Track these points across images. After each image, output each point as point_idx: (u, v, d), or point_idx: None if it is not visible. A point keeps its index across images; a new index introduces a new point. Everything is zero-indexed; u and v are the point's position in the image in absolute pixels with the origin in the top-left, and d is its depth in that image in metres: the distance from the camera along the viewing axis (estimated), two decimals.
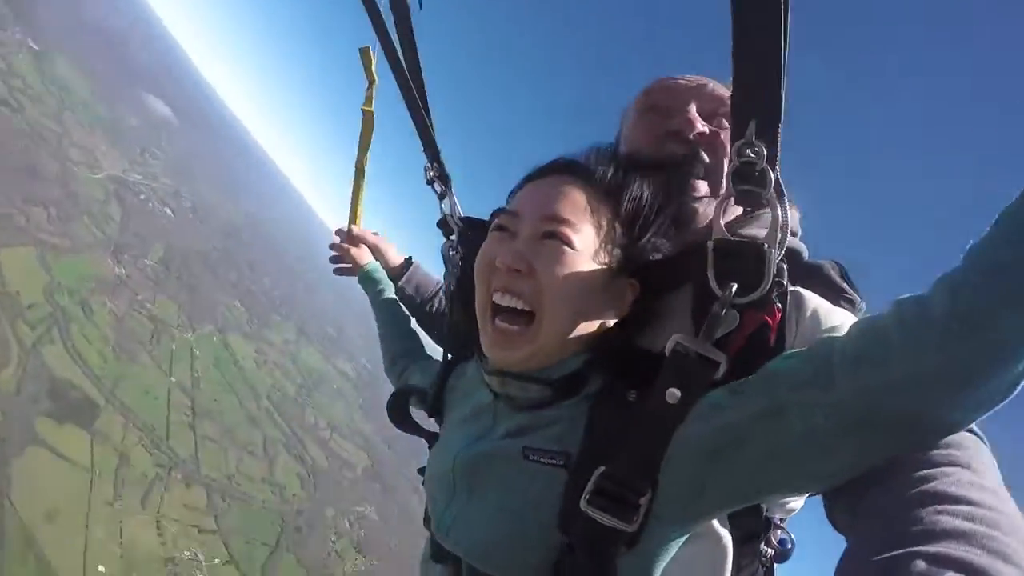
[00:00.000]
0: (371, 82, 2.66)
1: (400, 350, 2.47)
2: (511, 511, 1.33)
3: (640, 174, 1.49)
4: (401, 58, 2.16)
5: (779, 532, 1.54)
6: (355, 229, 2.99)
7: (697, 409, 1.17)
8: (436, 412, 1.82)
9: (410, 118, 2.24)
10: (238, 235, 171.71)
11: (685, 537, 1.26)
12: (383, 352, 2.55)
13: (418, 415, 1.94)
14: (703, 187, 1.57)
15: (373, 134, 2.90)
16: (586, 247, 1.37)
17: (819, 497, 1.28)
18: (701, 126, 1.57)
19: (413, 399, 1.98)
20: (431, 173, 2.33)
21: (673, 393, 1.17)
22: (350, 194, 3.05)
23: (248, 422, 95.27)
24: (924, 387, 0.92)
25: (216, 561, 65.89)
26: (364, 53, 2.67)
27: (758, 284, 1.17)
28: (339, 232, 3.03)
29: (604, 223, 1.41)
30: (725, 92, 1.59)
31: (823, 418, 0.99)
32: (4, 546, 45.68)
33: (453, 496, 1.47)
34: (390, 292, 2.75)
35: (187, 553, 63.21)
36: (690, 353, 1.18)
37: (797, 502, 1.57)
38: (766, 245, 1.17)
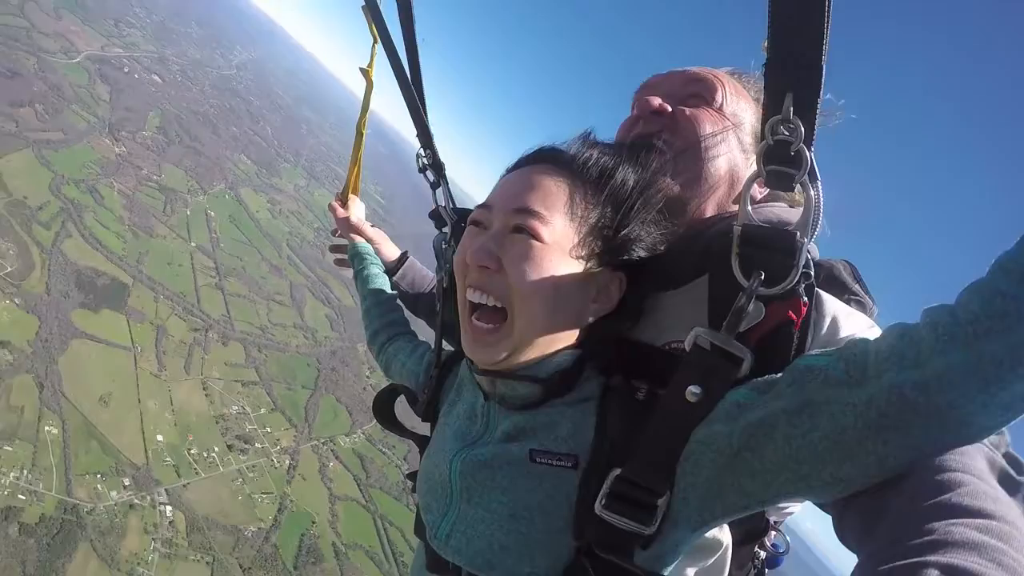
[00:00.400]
0: (374, 40, 2.35)
1: (382, 324, 2.39)
2: (517, 517, 1.28)
3: (615, 159, 1.45)
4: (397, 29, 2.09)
5: (774, 535, 1.55)
6: (353, 202, 2.93)
7: (720, 408, 1.12)
8: (429, 419, 1.77)
9: (402, 98, 2.13)
10: (232, 88, 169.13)
11: (696, 540, 1.24)
12: (365, 326, 2.47)
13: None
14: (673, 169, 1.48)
15: (372, 95, 2.76)
16: (558, 239, 1.33)
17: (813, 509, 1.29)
18: (658, 104, 1.53)
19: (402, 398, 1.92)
20: (424, 160, 2.25)
21: (693, 391, 1.12)
22: (349, 156, 2.93)
23: (272, 272, 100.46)
24: (954, 385, 0.89)
25: (262, 410, 71.68)
26: (367, 10, 2.29)
27: (786, 275, 1.10)
28: (337, 199, 2.94)
29: (581, 212, 1.36)
30: (704, 71, 1.58)
31: (853, 417, 0.96)
32: (68, 438, 51.34)
33: (450, 503, 1.41)
34: (377, 268, 2.65)
35: (235, 407, 69.12)
36: (712, 348, 1.13)
37: (796, 506, 1.55)
38: (798, 233, 1.10)
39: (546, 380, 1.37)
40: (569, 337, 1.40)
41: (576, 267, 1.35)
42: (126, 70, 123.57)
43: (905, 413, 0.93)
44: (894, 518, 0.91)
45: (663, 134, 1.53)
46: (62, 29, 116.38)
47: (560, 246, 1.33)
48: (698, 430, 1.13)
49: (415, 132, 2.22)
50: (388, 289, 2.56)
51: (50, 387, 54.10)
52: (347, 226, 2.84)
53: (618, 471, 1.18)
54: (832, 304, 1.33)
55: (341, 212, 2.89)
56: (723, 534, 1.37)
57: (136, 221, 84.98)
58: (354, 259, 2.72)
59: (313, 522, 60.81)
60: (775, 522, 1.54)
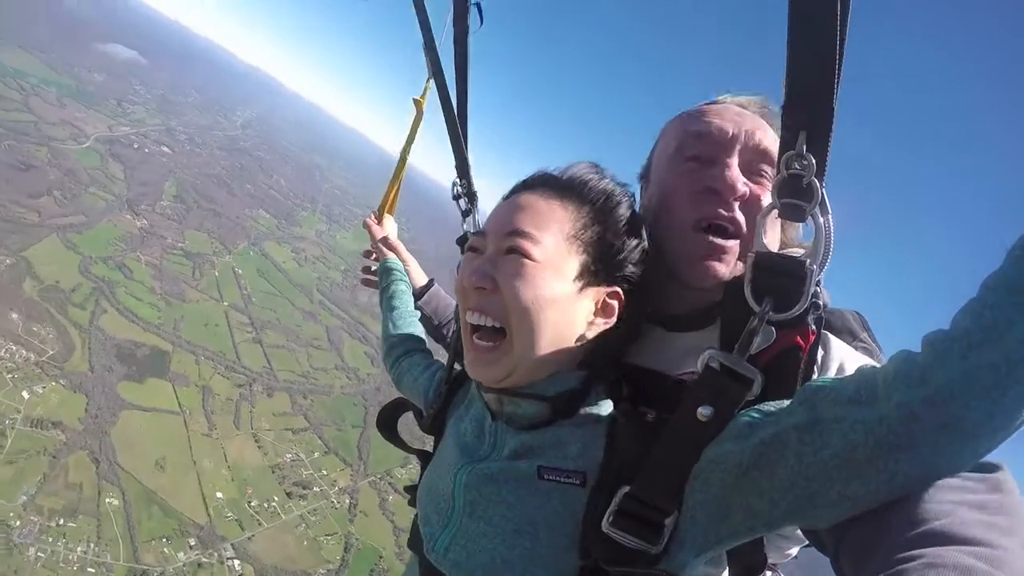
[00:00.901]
0: (429, 76, 2.47)
1: (400, 338, 2.44)
2: (522, 532, 1.28)
3: (615, 187, 1.52)
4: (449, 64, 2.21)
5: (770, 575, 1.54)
6: (386, 221, 3.01)
7: (731, 427, 1.15)
8: (434, 433, 1.79)
9: (445, 127, 2.24)
10: (240, 147, 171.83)
11: (699, 567, 1.24)
12: (384, 339, 2.51)
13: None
14: (731, 247, 1.51)
15: (420, 126, 2.84)
16: (551, 257, 1.37)
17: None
18: (742, 186, 1.49)
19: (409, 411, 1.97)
20: (458, 188, 2.34)
21: (704, 411, 1.15)
22: (389, 181, 3.02)
23: (307, 319, 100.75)
24: (958, 396, 0.92)
25: (316, 455, 71.39)
26: (427, 50, 2.43)
27: (796, 301, 1.15)
28: (373, 217, 3.03)
29: (573, 231, 1.41)
30: (771, 143, 1.53)
31: (864, 435, 0.98)
32: (129, 507, 51.28)
33: (451, 517, 1.42)
34: (404, 286, 2.71)
35: (288, 455, 68.77)
36: (723, 369, 1.16)
37: (794, 548, 1.63)
38: (808, 262, 1.14)
39: (553, 399, 1.39)
40: (572, 354, 1.43)
41: (572, 284, 1.39)
42: (135, 146, 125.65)
43: (915, 430, 0.95)
44: (886, 550, 0.93)
45: (739, 215, 1.51)
46: (67, 117, 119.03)
47: (553, 264, 1.37)
48: (708, 449, 1.15)
49: (454, 163, 2.30)
50: (411, 307, 2.61)
51: (105, 460, 54.33)
52: (383, 242, 2.89)
53: (627, 489, 1.19)
54: (841, 348, 1.39)
55: (377, 229, 2.96)
56: (719, 568, 1.40)
57: (167, 289, 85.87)
58: (383, 274, 2.76)
59: (380, 556, 60.49)
60: (772, 564, 1.56)
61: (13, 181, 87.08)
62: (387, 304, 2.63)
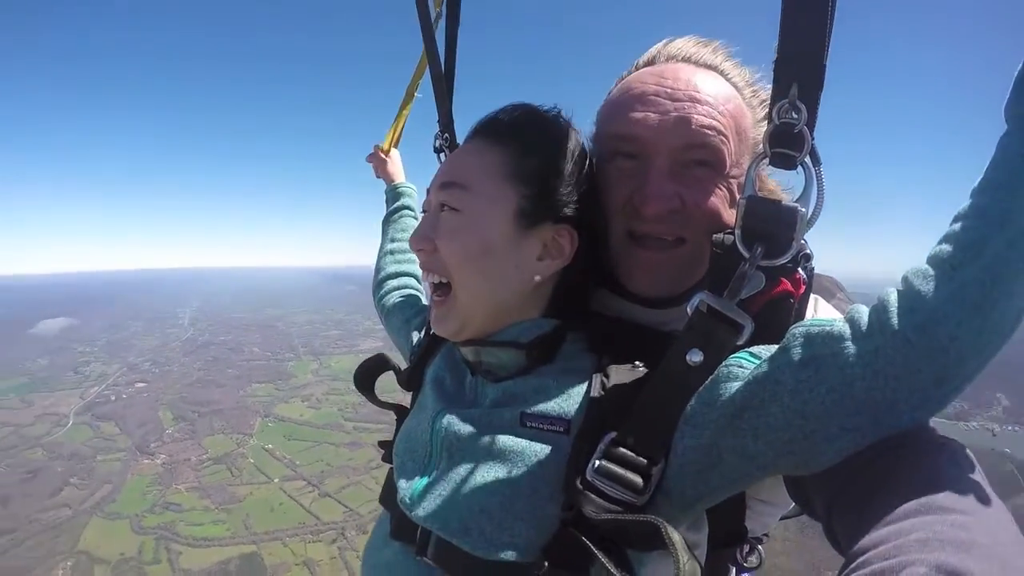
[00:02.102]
0: (438, 16, 2.23)
1: (398, 271, 2.42)
2: (502, 480, 1.24)
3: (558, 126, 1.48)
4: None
5: (748, 552, 1.56)
6: (392, 153, 2.91)
7: (723, 370, 1.14)
8: (412, 389, 1.74)
9: (430, 76, 2.14)
10: (201, 342, 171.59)
11: (685, 523, 1.23)
12: (376, 269, 2.48)
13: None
14: (667, 258, 1.48)
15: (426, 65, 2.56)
16: (476, 205, 1.36)
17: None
18: (671, 196, 1.43)
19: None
20: (439, 142, 2.22)
21: (694, 355, 1.13)
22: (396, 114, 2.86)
23: (353, 449, 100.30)
24: (949, 316, 0.94)
25: None
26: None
27: (787, 248, 1.13)
28: (375, 147, 2.92)
29: (509, 171, 1.38)
30: (717, 114, 1.45)
31: (861, 368, 0.99)
32: None
33: (429, 463, 1.39)
34: (410, 213, 2.66)
35: None
36: (713, 313, 1.13)
37: (774, 518, 1.62)
38: (800, 208, 1.12)
39: (527, 345, 1.39)
40: (528, 298, 1.43)
41: (510, 227, 1.37)
42: (113, 399, 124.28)
43: (911, 357, 0.96)
44: (881, 519, 0.91)
45: (667, 229, 1.47)
46: (39, 411, 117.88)
47: (486, 210, 1.37)
48: (699, 392, 1.14)
49: (437, 117, 2.23)
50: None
51: None
52: (387, 169, 2.85)
53: (613, 435, 1.17)
54: (826, 307, 1.42)
55: (382, 157, 2.89)
56: (700, 534, 1.37)
57: (220, 500, 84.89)
58: (394, 196, 2.72)
59: None
60: (755, 538, 1.54)
61: (29, 493, 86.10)
62: (388, 230, 2.63)
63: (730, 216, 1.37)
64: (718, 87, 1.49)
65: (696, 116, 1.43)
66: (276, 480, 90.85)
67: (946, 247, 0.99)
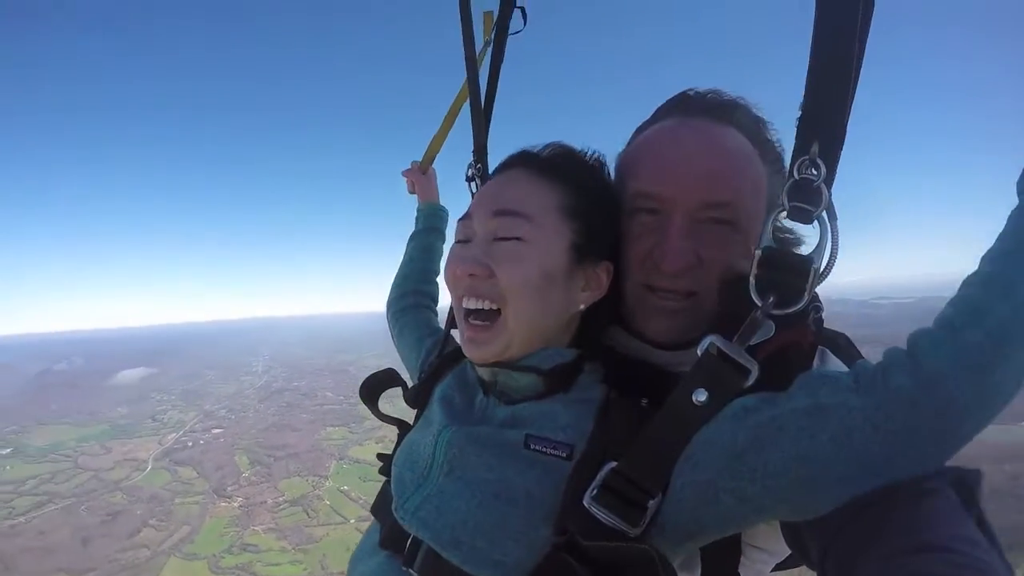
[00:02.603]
0: (485, 43, 2.47)
1: (415, 289, 2.43)
2: (500, 497, 1.25)
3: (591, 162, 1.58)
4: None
5: None
6: (429, 171, 2.91)
7: (727, 411, 1.15)
8: (418, 406, 1.75)
9: (470, 106, 2.25)
10: (274, 388, 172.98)
11: (676, 559, 1.22)
12: (394, 285, 2.49)
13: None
14: (682, 308, 1.52)
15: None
16: (539, 236, 1.39)
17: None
18: (688, 255, 1.47)
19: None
20: (471, 171, 2.27)
21: (699, 395, 1.15)
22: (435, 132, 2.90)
23: None
24: (949, 377, 0.98)
25: None
26: (487, 17, 2.48)
27: (798, 298, 1.15)
28: (413, 164, 2.92)
29: (563, 206, 1.44)
30: (735, 174, 1.51)
31: (862, 420, 1.02)
32: None
33: (428, 475, 1.40)
34: (441, 241, 2.68)
35: None
36: (721, 356, 1.17)
37: (768, 566, 1.61)
38: (815, 262, 1.15)
39: (548, 373, 1.41)
40: (563, 328, 1.48)
41: (564, 260, 1.42)
42: (190, 444, 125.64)
43: (911, 415, 1.00)
44: (873, 559, 0.94)
45: (681, 287, 1.52)
46: (118, 457, 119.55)
47: (545, 241, 1.40)
48: (701, 431, 1.16)
49: (472, 147, 2.29)
50: (435, 258, 2.57)
51: None
52: (425, 188, 2.80)
53: (613, 464, 1.19)
54: (835, 361, 1.42)
55: (420, 175, 2.82)
56: (692, 574, 1.41)
57: (296, 541, 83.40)
58: (419, 216, 2.71)
59: None
60: None
61: (109, 534, 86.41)
62: (414, 249, 2.57)
63: (744, 266, 1.34)
64: (737, 144, 1.53)
65: (715, 177, 1.48)
66: (352, 520, 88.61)
67: (951, 310, 1.04)
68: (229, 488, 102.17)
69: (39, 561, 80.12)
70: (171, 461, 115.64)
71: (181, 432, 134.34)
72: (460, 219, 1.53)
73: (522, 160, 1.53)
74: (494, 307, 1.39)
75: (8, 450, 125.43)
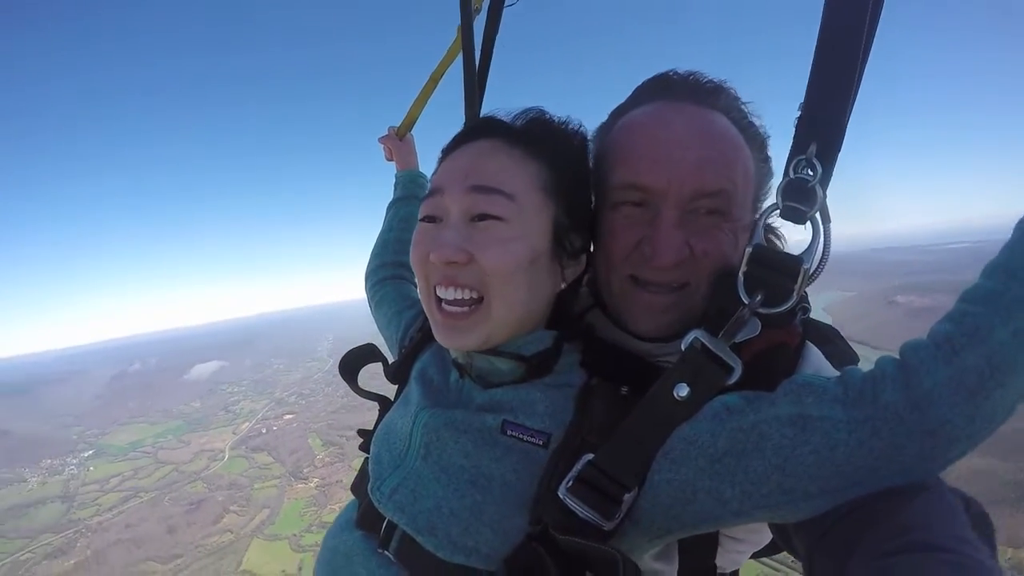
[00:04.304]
0: (475, 11, 2.31)
1: (395, 261, 2.31)
2: (476, 483, 1.22)
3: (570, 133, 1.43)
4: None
5: None
6: (407, 137, 2.81)
7: (708, 409, 1.13)
8: (398, 382, 1.66)
9: (463, 76, 2.15)
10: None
11: (649, 553, 1.21)
12: (373, 256, 2.37)
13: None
14: (672, 301, 1.41)
15: (457, 55, 2.52)
16: (523, 217, 1.28)
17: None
18: (680, 246, 1.36)
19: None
20: None
21: (681, 390, 1.13)
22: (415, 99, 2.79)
23: None
24: (943, 400, 0.95)
25: None
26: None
27: (786, 298, 1.13)
28: (390, 129, 2.83)
29: (545, 183, 1.33)
30: (726, 161, 1.38)
31: (847, 435, 0.99)
32: None
33: (404, 457, 1.35)
34: (417, 204, 2.14)
35: None
36: (705, 352, 1.15)
37: (744, 555, 1.55)
38: (805, 263, 1.13)
39: (529, 359, 1.34)
40: (543, 310, 1.39)
41: (546, 240, 1.32)
42: (264, 431, 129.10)
43: (899, 433, 0.98)
44: (862, 557, 0.93)
45: (673, 279, 1.43)
46: (196, 449, 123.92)
47: (535, 222, 1.30)
48: (681, 428, 1.13)
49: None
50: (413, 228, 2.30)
51: None
52: (403, 155, 2.76)
53: (590, 456, 1.16)
54: (819, 358, 1.37)
55: (397, 142, 2.79)
56: (670, 565, 1.39)
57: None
58: (397, 183, 2.68)
59: None
60: (721, 573, 1.53)
61: (194, 522, 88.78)
62: (391, 217, 2.52)
63: (735, 260, 1.33)
64: (725, 131, 1.42)
65: (706, 166, 1.37)
66: None
67: (951, 328, 1.00)
68: (305, 470, 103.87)
69: (129, 552, 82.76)
70: (247, 448, 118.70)
71: (254, 420, 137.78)
72: (426, 196, 1.38)
73: (498, 130, 1.38)
74: (475, 295, 1.29)
75: (90, 452, 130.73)
